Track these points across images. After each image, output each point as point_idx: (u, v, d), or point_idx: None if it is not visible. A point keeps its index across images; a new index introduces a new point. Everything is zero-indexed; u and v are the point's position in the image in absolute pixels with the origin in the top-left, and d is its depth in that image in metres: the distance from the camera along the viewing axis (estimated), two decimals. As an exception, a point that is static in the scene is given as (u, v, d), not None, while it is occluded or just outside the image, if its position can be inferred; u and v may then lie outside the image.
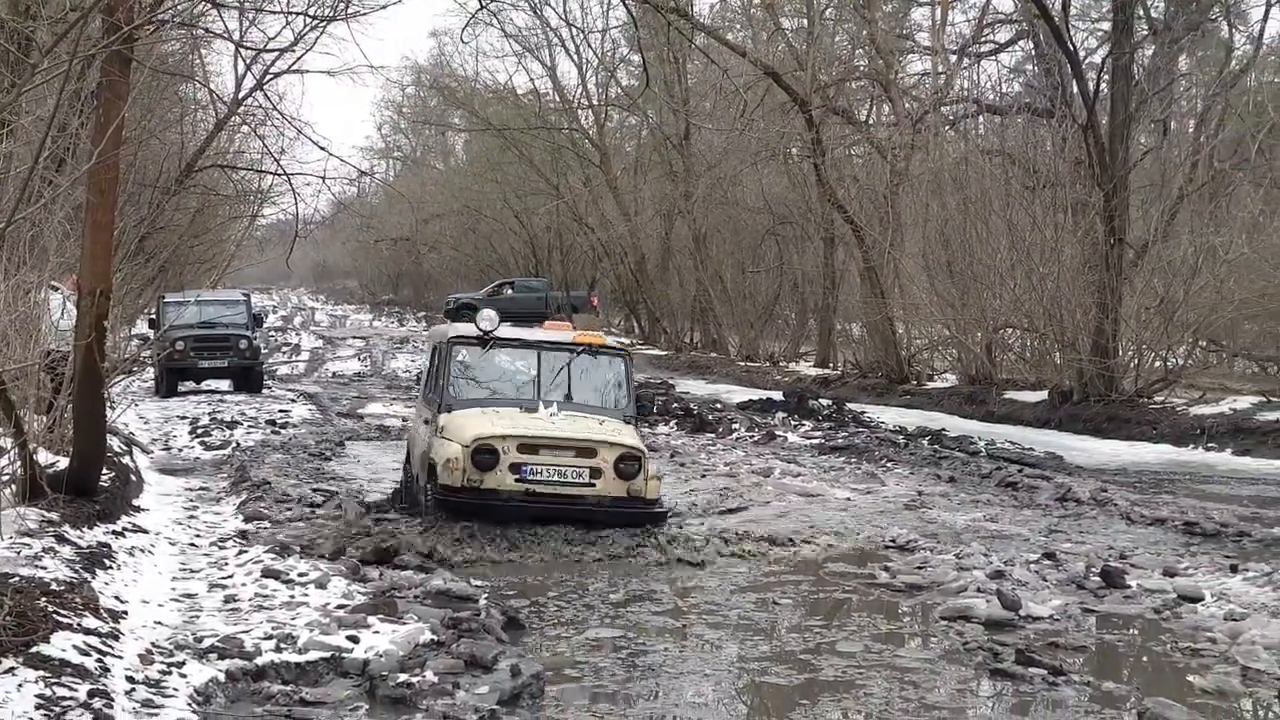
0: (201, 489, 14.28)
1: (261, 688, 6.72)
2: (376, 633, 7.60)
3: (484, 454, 9.34)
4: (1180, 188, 20.89)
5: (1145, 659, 7.22)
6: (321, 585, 8.61)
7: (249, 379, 23.14)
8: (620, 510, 9.54)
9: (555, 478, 9.55)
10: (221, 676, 6.75)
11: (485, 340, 10.33)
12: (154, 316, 23.21)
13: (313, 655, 7.18)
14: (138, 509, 12.23)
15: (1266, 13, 24.40)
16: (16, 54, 11.65)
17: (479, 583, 8.17)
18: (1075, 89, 20.42)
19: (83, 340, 10.39)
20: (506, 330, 10.55)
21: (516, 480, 9.43)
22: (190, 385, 23.60)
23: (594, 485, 9.54)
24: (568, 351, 10.50)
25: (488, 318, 10.33)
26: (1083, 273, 19.69)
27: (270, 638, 7.46)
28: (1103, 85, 20.55)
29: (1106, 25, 23.19)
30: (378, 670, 6.89)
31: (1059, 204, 20.93)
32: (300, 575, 9.00)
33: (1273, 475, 15.06)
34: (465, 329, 10.60)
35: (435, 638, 7.50)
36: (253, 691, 6.70)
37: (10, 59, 11.63)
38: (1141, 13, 22.37)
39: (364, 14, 12.43)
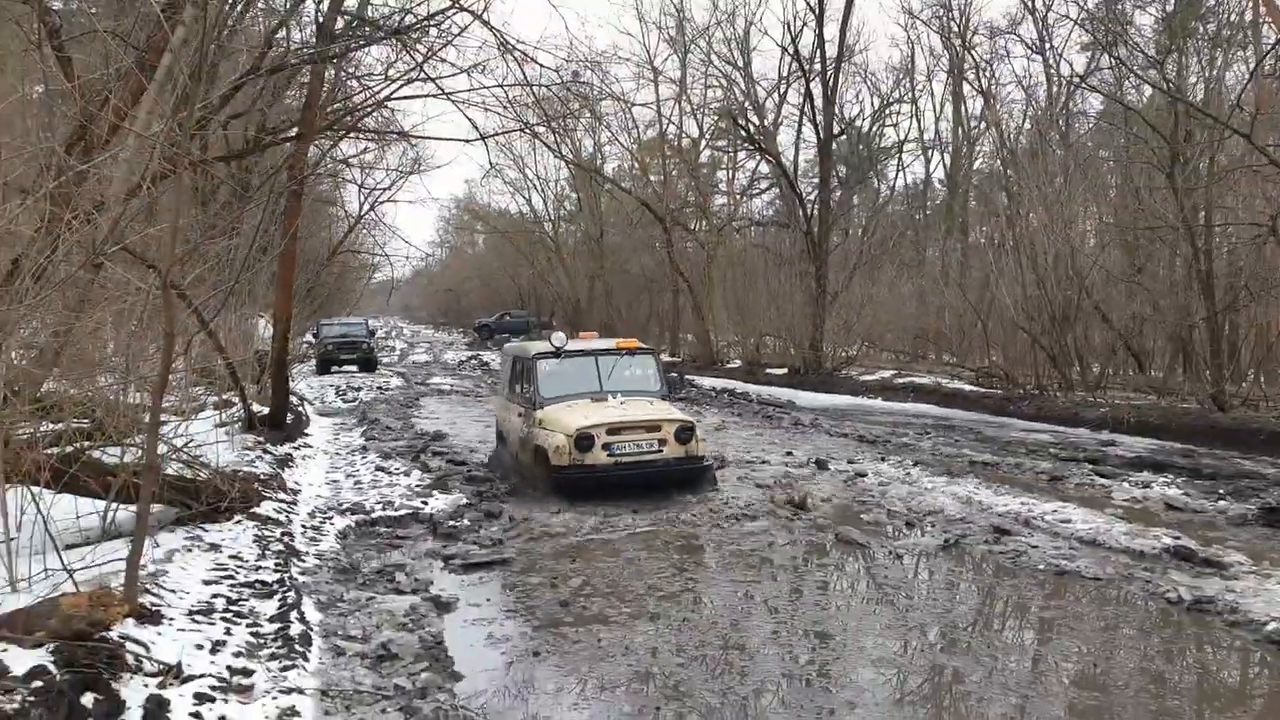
0: (342, 424, 17.55)
1: (374, 529, 9.11)
2: (437, 499, 10.39)
3: (584, 440, 10.47)
4: (854, 264, 31.68)
5: (839, 504, 10.48)
6: (407, 474, 11.79)
7: (368, 365, 32.12)
8: (681, 467, 10.81)
9: (634, 450, 10.67)
10: (353, 523, 9.19)
11: (559, 353, 11.56)
12: (316, 332, 32.58)
13: (402, 512, 9.71)
14: (306, 435, 14.99)
15: (899, 170, 40.62)
16: (239, 190, 14.75)
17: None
18: (800, 213, 32.03)
19: (277, 344, 13.55)
20: (571, 345, 11.83)
21: (608, 456, 10.57)
22: (336, 370, 31.76)
23: (661, 451, 10.75)
24: (615, 355, 11.84)
25: (559, 338, 11.68)
26: (804, 307, 30.08)
27: (380, 503, 10.12)
28: (814, 210, 31.49)
29: (816, 179, 35.44)
30: (438, 518, 9.49)
31: (793, 273, 31.80)
32: (395, 469, 12.04)
33: (901, 412, 20.70)
34: (542, 347, 11.81)
35: (469, 501, 10.35)
36: (369, 529, 9.10)
37: (237, 193, 14.91)
38: (835, 172, 34.14)
39: (427, 170, 19.89)
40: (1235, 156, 19.17)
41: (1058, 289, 21.72)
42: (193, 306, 9.90)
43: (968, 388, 23.96)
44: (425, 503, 10.36)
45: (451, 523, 9.58)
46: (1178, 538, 8.93)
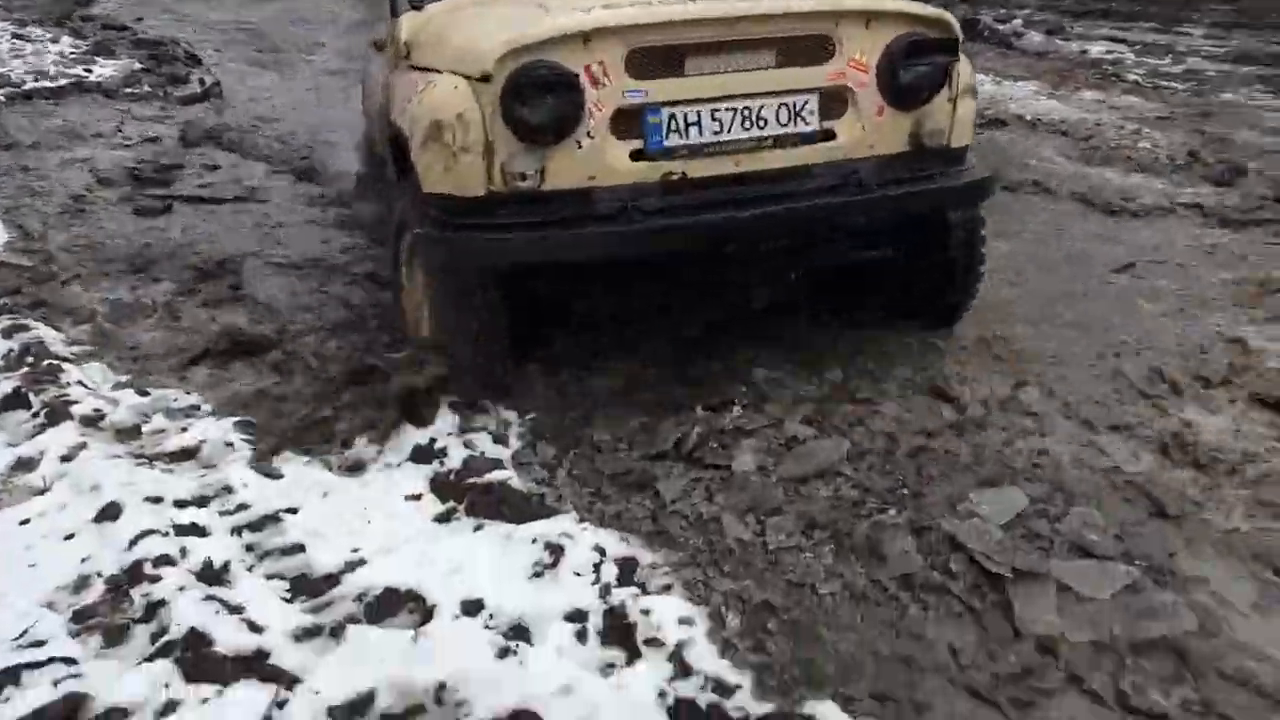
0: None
1: (30, 102, 8.25)
2: (102, 67, 9.41)
3: (536, 90, 2.84)
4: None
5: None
6: (56, 41, 10.35)
7: None
8: (897, 193, 3.19)
9: (736, 132, 3.04)
10: (2, 97, 8.26)
11: None
12: None
13: (62, 82, 8.80)
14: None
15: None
16: None
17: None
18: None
19: None
20: None
21: (634, 156, 3.00)
22: None
23: (833, 136, 3.18)
24: None
25: None
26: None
27: (30, 73, 9.05)
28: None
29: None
30: (109, 85, 8.75)
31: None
32: (38, 36, 10.62)
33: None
34: None
35: (144, 67, 9.43)
36: (25, 102, 8.23)
37: None
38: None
39: None
40: None
41: None
42: None
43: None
44: (89, 70, 9.28)
45: (129, 89, 8.69)
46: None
